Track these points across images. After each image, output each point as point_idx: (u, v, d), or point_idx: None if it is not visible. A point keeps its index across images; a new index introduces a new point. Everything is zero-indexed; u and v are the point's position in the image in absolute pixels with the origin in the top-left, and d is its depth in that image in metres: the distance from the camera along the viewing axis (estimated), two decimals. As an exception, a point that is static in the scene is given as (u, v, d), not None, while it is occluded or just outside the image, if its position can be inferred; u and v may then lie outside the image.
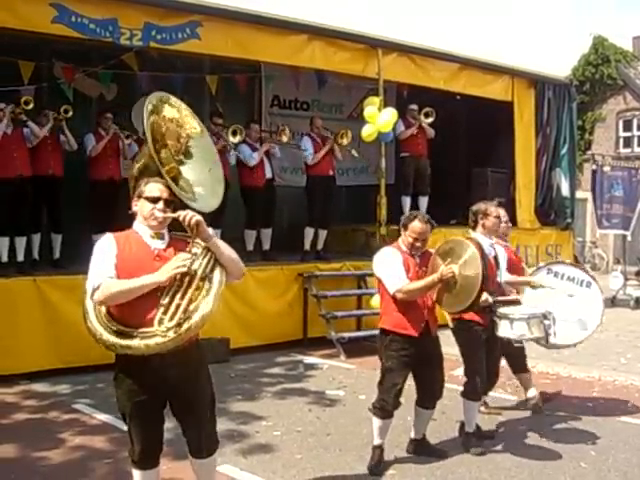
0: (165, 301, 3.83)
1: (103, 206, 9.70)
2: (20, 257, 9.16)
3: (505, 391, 8.03)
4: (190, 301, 3.84)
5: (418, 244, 5.46)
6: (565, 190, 14.23)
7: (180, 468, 5.19)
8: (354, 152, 11.47)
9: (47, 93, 10.29)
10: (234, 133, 10.37)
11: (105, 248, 3.95)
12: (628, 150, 25.08)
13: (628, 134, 25.37)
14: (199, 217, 3.94)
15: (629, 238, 16.56)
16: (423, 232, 5.43)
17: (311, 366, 9.25)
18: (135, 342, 3.79)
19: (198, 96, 10.95)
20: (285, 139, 11.01)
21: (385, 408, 5.46)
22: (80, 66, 10.30)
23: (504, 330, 5.77)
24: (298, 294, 10.38)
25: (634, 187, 15.65)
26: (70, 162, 9.91)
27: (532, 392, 7.17)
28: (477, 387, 6.05)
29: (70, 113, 9.57)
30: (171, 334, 3.77)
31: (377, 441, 5.56)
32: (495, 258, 6.21)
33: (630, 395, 7.81)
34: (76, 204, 9.95)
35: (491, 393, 7.78)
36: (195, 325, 3.81)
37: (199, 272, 3.88)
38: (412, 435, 5.91)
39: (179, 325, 3.78)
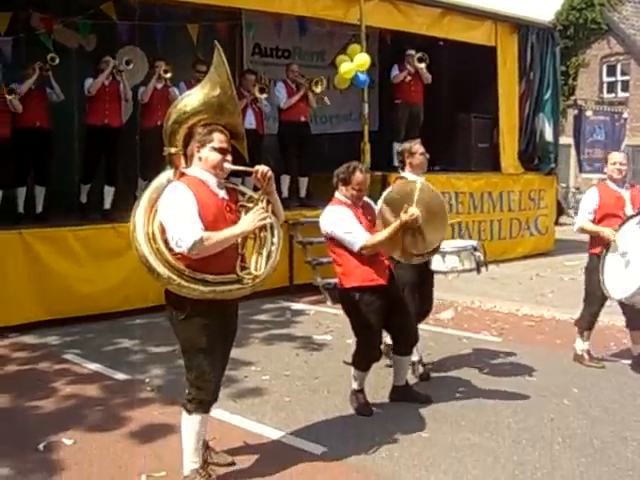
0: (243, 250, 4.14)
1: (96, 154, 9.68)
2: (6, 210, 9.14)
3: (490, 333, 8.18)
4: (266, 250, 4.16)
5: (362, 194, 5.43)
6: (549, 135, 14.21)
7: (171, 413, 5.27)
8: (326, 99, 11.41)
9: (25, 44, 10.14)
10: (262, 90, 10.46)
11: (185, 197, 3.97)
12: (612, 95, 25.10)
13: (612, 79, 25.37)
14: (271, 171, 4.18)
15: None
16: (365, 181, 5.39)
17: (298, 312, 9.35)
18: (218, 288, 4.02)
19: (179, 45, 10.86)
20: (265, 96, 10.87)
21: (370, 362, 5.54)
22: (58, 16, 10.17)
23: (437, 264, 5.84)
24: (283, 241, 10.32)
25: (617, 131, 15.75)
26: (57, 113, 9.82)
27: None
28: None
29: (57, 61, 9.40)
30: (252, 282, 4.09)
31: (358, 386, 5.64)
32: None
33: (612, 336, 7.96)
34: (62, 156, 9.91)
35: (476, 335, 7.99)
36: (268, 274, 4.14)
37: (268, 224, 4.16)
38: (394, 382, 5.94)
39: (262, 274, 4.11)
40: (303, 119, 11.26)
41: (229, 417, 5.45)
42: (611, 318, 8.45)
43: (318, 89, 11.05)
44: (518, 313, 9.28)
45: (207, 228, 3.94)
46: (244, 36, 12.44)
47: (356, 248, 5.30)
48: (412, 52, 12.27)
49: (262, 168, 4.17)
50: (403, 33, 12.18)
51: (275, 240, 4.23)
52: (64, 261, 8.67)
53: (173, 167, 4.39)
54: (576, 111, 15.67)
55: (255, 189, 4.41)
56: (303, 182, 11.39)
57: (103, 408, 5.73)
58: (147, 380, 6.42)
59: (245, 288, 4.12)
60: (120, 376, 6.59)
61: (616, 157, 6.87)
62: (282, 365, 6.92)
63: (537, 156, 14.26)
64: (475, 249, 5.83)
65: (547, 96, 14.07)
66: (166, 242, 4.02)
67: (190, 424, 4.20)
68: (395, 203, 5.28)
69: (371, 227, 5.41)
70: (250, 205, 4.21)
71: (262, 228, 4.12)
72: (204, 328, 4.09)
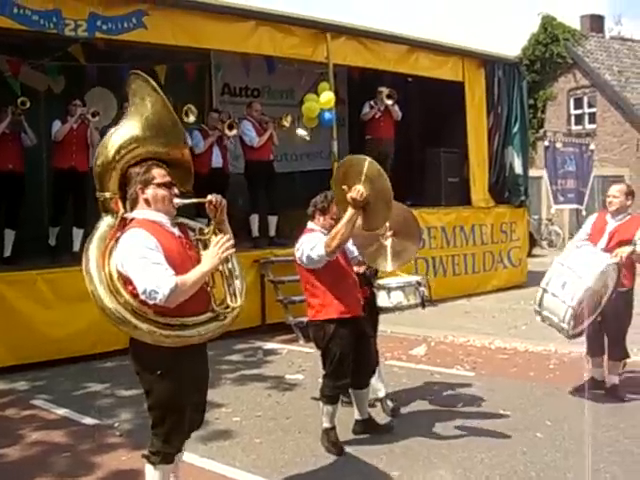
0: (213, 286, 3.99)
1: (63, 197, 9.67)
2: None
3: (463, 367, 8.16)
4: (234, 280, 4.05)
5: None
6: (518, 168, 14.34)
7: (138, 458, 5.13)
8: (300, 131, 11.46)
9: (-8, 87, 10.13)
10: (186, 114, 10.34)
11: (149, 244, 3.77)
12: (579, 127, 25.45)
13: (579, 111, 25.74)
14: (224, 199, 4.08)
15: (583, 212, 16.83)
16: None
17: (270, 351, 9.28)
18: (201, 329, 3.91)
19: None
20: (234, 133, 10.91)
21: (339, 395, 5.52)
22: (26, 59, 10.18)
23: (383, 300, 5.80)
24: (255, 280, 10.35)
25: (585, 162, 15.90)
26: (26, 156, 9.78)
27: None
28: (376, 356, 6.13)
29: (27, 105, 9.38)
30: (231, 314, 4.02)
31: (329, 424, 5.58)
32: None
33: (585, 366, 7.94)
34: (32, 199, 9.84)
35: (449, 370, 7.96)
36: (242, 304, 4.04)
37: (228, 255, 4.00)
38: (356, 416, 5.91)
39: (235, 307, 4.01)
40: (271, 157, 11.33)
41: (198, 460, 5.35)
42: (583, 348, 8.47)
43: (286, 123, 11.09)
44: (491, 346, 9.28)
45: (176, 272, 3.74)
46: (213, 76, 12.54)
47: (322, 252, 5.19)
48: (383, 89, 12.37)
49: (216, 197, 4.03)
50: (372, 70, 12.27)
51: (237, 268, 4.12)
52: (33, 305, 8.57)
53: (110, 213, 4.16)
54: (546, 143, 15.81)
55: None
56: (272, 221, 11.39)
57: (70, 454, 5.62)
58: (116, 424, 6.32)
59: (225, 323, 4.02)
60: (89, 421, 6.47)
61: (610, 190, 6.98)
62: (253, 406, 6.84)
63: (507, 189, 14.35)
64: (419, 284, 5.81)
65: (515, 129, 14.24)
66: (132, 294, 3.82)
67: (154, 476, 4.05)
68: (341, 185, 5.16)
69: (342, 250, 5.40)
70: (205, 238, 4.05)
71: (225, 260, 3.97)
72: (180, 385, 3.94)
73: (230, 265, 4.06)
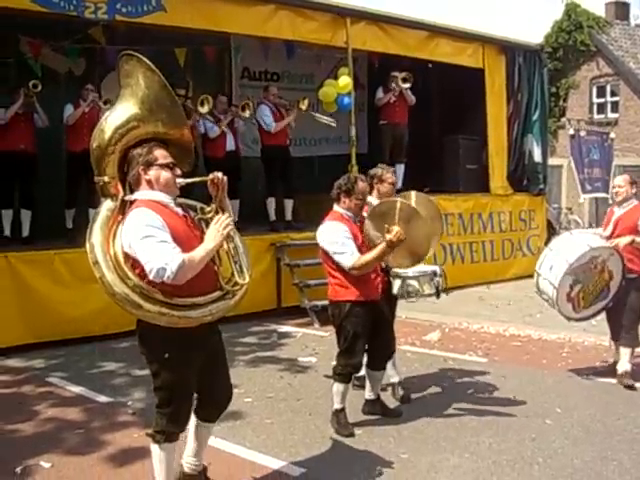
0: (220, 264, 4.03)
1: (77, 178, 9.70)
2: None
3: (475, 354, 8.17)
4: (240, 257, 4.08)
5: (364, 204, 5.53)
6: (537, 156, 14.27)
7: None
8: (325, 118, 11.42)
9: (15, 69, 10.20)
10: (202, 103, 10.36)
11: (154, 222, 3.75)
12: (602, 116, 25.22)
13: (601, 100, 25.50)
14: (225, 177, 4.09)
15: (610, 201, 16.73)
16: (367, 190, 5.55)
17: (285, 334, 9.34)
18: (212, 308, 3.92)
19: (168, 69, 10.76)
20: (247, 114, 10.92)
21: (352, 373, 5.57)
22: (47, 41, 10.25)
23: (397, 288, 5.84)
24: (271, 264, 10.41)
25: (606, 151, 15.78)
26: (43, 138, 9.87)
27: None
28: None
29: (39, 87, 9.44)
30: (240, 291, 4.03)
31: (339, 405, 5.64)
32: None
33: (598, 355, 7.95)
34: (47, 181, 9.93)
35: (461, 356, 7.98)
36: (249, 280, 4.04)
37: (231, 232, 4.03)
38: (366, 396, 6.03)
39: (244, 284, 4.01)
40: (286, 142, 11.32)
41: (210, 440, 5.41)
42: (598, 338, 8.50)
43: (303, 107, 11.08)
44: (505, 333, 9.28)
45: (182, 250, 3.74)
46: (232, 60, 12.55)
47: (347, 268, 5.39)
48: (396, 74, 12.31)
49: (218, 175, 4.05)
50: (391, 56, 12.23)
51: (240, 245, 4.16)
52: (50, 284, 8.67)
53: (109, 196, 4.09)
54: (572, 131, 15.71)
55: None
56: (288, 204, 11.40)
57: (83, 431, 5.71)
58: (129, 403, 6.40)
59: (235, 300, 4.04)
60: (102, 399, 6.57)
61: (615, 181, 7.31)
62: (265, 387, 6.90)
63: (526, 177, 14.30)
64: (435, 274, 5.84)
65: (535, 117, 14.16)
66: (140, 276, 3.81)
67: (160, 455, 4.10)
68: (377, 220, 5.37)
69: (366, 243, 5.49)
70: (206, 216, 4.09)
71: (228, 237, 3.98)
72: (188, 365, 3.99)
73: (234, 243, 4.08)
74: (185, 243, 3.82)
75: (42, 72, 10.38)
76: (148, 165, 3.92)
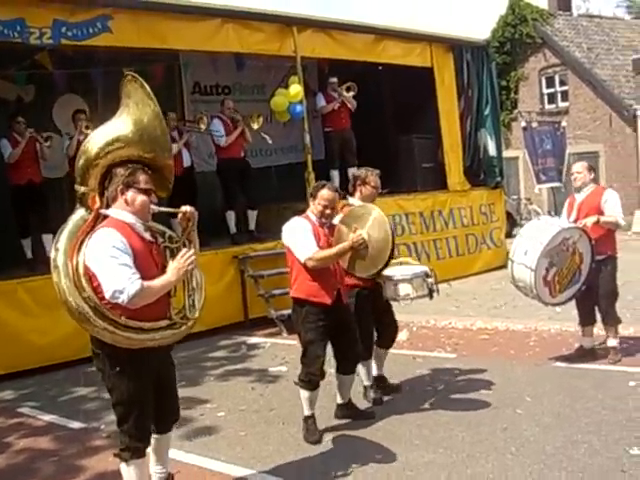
0: (175, 295, 4.16)
1: (25, 210, 9.71)
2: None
3: (444, 350, 8.25)
4: (195, 294, 4.22)
5: (328, 211, 5.57)
6: (492, 150, 14.45)
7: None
8: (264, 135, 11.42)
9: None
10: None
11: (119, 245, 3.88)
12: (552, 106, 25.54)
13: (551, 90, 25.81)
14: (196, 211, 4.22)
15: (563, 190, 16.99)
16: (332, 199, 5.56)
17: (254, 346, 9.34)
18: (156, 335, 4.04)
19: (118, 90, 10.83)
20: (203, 127, 10.97)
21: (312, 380, 5.59)
22: (-8, 68, 10.17)
23: (390, 292, 5.89)
24: (235, 277, 10.42)
25: (559, 140, 16.02)
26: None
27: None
28: (369, 348, 6.30)
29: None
30: (187, 325, 4.17)
31: (307, 412, 5.68)
32: None
33: (565, 341, 8.06)
34: (2, 210, 9.84)
35: (430, 353, 8.04)
36: (200, 313, 4.21)
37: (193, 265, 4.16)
38: (338, 400, 6.09)
39: (192, 318, 4.19)
40: (241, 154, 11.29)
41: (184, 456, 5.43)
42: (563, 324, 8.63)
43: (255, 125, 11.10)
44: (473, 327, 9.38)
45: (141, 275, 3.87)
46: (182, 76, 12.56)
47: (302, 259, 5.46)
48: (334, 80, 12.41)
49: (188, 209, 4.21)
50: (340, 61, 12.29)
51: (199, 280, 4.31)
52: (16, 314, 8.62)
53: (84, 207, 4.24)
54: (523, 123, 15.93)
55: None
56: (252, 215, 11.43)
57: (57, 459, 5.68)
58: (102, 427, 6.37)
59: (181, 332, 4.17)
60: (75, 425, 6.54)
61: (573, 168, 7.48)
62: (238, 400, 6.91)
63: (482, 171, 14.48)
64: (427, 275, 5.89)
65: (487, 112, 14.34)
66: (95, 291, 3.91)
67: (129, 472, 4.16)
68: (349, 223, 5.53)
69: (331, 247, 5.54)
70: (173, 246, 4.21)
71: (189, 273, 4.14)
72: (139, 380, 4.06)
73: (194, 277, 4.22)
74: (145, 269, 3.95)
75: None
76: (127, 186, 4.04)
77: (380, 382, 6.60)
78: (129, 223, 4.03)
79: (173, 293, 4.15)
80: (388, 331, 6.47)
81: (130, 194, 4.04)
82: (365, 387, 6.48)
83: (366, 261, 5.54)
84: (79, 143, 9.61)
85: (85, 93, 11.27)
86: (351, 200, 6.32)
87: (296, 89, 11.15)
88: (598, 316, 7.26)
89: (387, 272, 5.86)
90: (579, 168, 7.27)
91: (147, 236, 4.13)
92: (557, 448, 5.10)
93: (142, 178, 4.07)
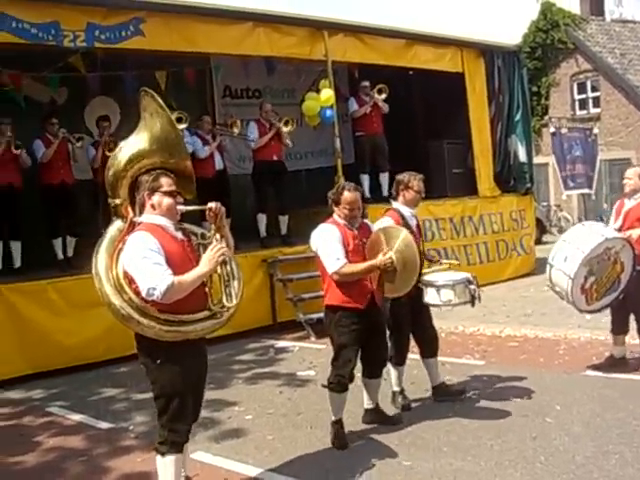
0: (211, 286, 4.29)
1: (57, 210, 9.82)
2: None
3: (473, 357, 8.20)
4: (232, 282, 4.31)
5: (355, 213, 5.53)
6: (522, 156, 14.36)
7: (152, 460, 5.20)
8: (288, 141, 11.41)
9: (-4, 101, 10.23)
10: (179, 120, 10.38)
11: (151, 245, 4.08)
12: (584, 112, 25.35)
13: (583, 96, 25.63)
14: (223, 207, 4.36)
15: (593, 197, 16.85)
16: (355, 200, 5.51)
17: (282, 349, 9.36)
18: (197, 326, 4.21)
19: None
20: (237, 131, 11.02)
21: (342, 382, 5.56)
22: (27, 71, 10.28)
23: (431, 297, 5.89)
24: (264, 280, 10.45)
25: (590, 147, 15.87)
26: (27, 170, 9.86)
27: None
28: (403, 354, 6.36)
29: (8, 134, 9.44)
30: (227, 314, 4.31)
31: (336, 416, 5.66)
32: (418, 227, 6.41)
33: (595, 350, 7.98)
34: (34, 211, 9.93)
35: (458, 360, 7.99)
36: (238, 304, 4.30)
37: (227, 258, 4.30)
38: (366, 405, 6.08)
39: (230, 307, 4.29)
40: (275, 158, 11.24)
41: (211, 459, 5.47)
42: (593, 333, 8.55)
43: (287, 128, 11.10)
44: (501, 335, 9.32)
45: (175, 272, 4.04)
46: (213, 79, 12.62)
47: (329, 272, 5.45)
48: (366, 84, 12.38)
49: (214, 205, 4.32)
50: (371, 65, 12.29)
51: (235, 270, 4.40)
52: (46, 314, 8.70)
53: (120, 217, 4.52)
54: (552, 129, 15.81)
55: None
56: (283, 220, 11.44)
57: (86, 459, 5.72)
58: (131, 427, 6.41)
59: (221, 321, 4.31)
60: (104, 425, 6.58)
61: (626, 173, 7.28)
62: (265, 403, 6.91)
63: (513, 177, 14.38)
64: (469, 282, 5.86)
65: (518, 117, 14.26)
66: (136, 291, 4.11)
67: (165, 466, 4.27)
68: (383, 237, 5.48)
69: (361, 249, 5.52)
70: (205, 242, 4.36)
71: (223, 263, 4.24)
72: (179, 372, 4.20)
73: (228, 267, 4.31)
74: (180, 266, 4.12)
75: (25, 102, 10.41)
76: (153, 191, 4.26)
77: (442, 390, 6.57)
78: (161, 225, 4.24)
79: (210, 284, 4.28)
80: (428, 339, 6.48)
81: (156, 198, 4.25)
82: (394, 393, 6.46)
83: (393, 284, 5.50)
84: (103, 154, 9.77)
85: (117, 96, 11.36)
86: (394, 204, 6.34)
87: (328, 93, 11.15)
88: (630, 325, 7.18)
89: (429, 277, 5.89)
90: (630, 174, 7.13)
91: (179, 235, 4.33)
92: (587, 458, 5.04)
93: (165, 181, 4.28)
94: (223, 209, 4.36)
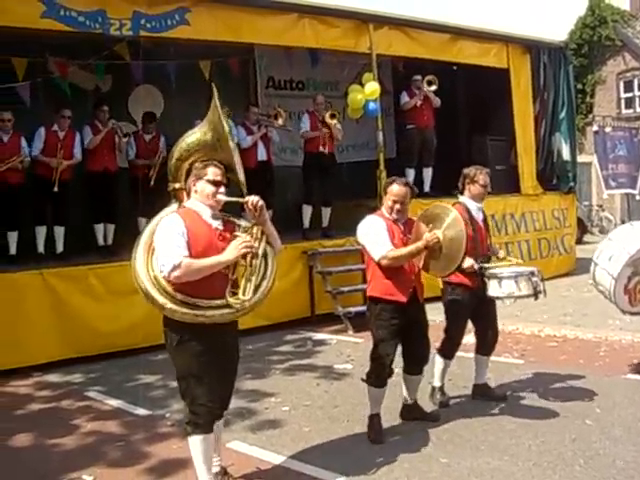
0: (234, 277, 4.32)
1: (100, 196, 9.90)
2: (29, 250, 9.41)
3: (511, 355, 8.12)
4: (257, 277, 4.31)
5: (397, 206, 5.51)
6: (566, 154, 14.19)
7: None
8: (339, 135, 11.39)
9: (43, 88, 10.32)
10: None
11: (176, 227, 4.23)
12: (630, 111, 24.97)
13: (629, 95, 25.25)
14: (262, 201, 4.38)
15: (637, 197, 16.58)
16: (401, 195, 5.50)
17: (320, 342, 9.35)
18: (208, 312, 4.22)
19: (193, 82, 10.95)
20: (280, 122, 11.04)
21: (380, 377, 5.56)
22: (73, 59, 10.36)
23: (493, 290, 5.84)
24: (303, 272, 10.46)
25: (636, 146, 15.64)
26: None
27: None
28: (454, 347, 6.29)
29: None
30: (242, 306, 4.26)
31: (373, 410, 5.66)
32: (484, 221, 6.31)
33: (636, 352, 7.88)
34: (77, 197, 10.03)
35: (497, 358, 7.90)
36: (260, 299, 4.32)
37: (260, 251, 4.37)
38: (404, 401, 6.04)
39: (249, 299, 4.26)
40: (322, 149, 11.18)
41: (247, 448, 5.48)
42: (634, 335, 8.42)
43: (333, 121, 11.05)
44: (541, 334, 9.22)
45: (197, 255, 4.18)
46: (257, 70, 12.63)
47: (376, 258, 5.45)
48: (418, 77, 12.34)
49: (253, 198, 4.36)
50: (415, 59, 12.23)
51: (269, 269, 4.42)
52: (85, 300, 8.80)
53: (178, 201, 4.71)
54: (595, 127, 15.60)
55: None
56: (325, 212, 11.44)
57: (123, 444, 5.76)
58: (167, 415, 6.45)
59: (233, 313, 4.29)
60: (141, 412, 6.62)
61: None
62: (302, 395, 6.91)
63: (555, 175, 14.23)
64: (532, 274, 5.80)
65: (562, 115, 14.08)
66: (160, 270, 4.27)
67: (193, 445, 4.41)
68: (426, 222, 5.48)
69: (406, 244, 5.50)
70: (240, 234, 4.38)
71: (254, 256, 4.29)
72: (197, 354, 4.29)
73: (257, 262, 4.33)
74: (203, 251, 4.24)
75: (70, 90, 10.50)
76: (199, 178, 4.42)
77: (483, 390, 6.50)
78: (196, 211, 4.38)
79: (232, 274, 4.30)
80: (486, 337, 6.36)
81: (199, 185, 4.41)
82: (433, 388, 6.41)
83: (440, 262, 5.46)
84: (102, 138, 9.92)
85: (160, 84, 11.41)
86: (461, 198, 6.32)
87: (373, 86, 11.07)
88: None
89: (493, 270, 5.86)
90: None
91: (215, 223, 4.41)
92: (628, 462, 4.95)
93: (211, 171, 4.41)
94: (261, 203, 4.37)
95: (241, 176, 4.70)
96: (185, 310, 4.19)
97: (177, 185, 4.72)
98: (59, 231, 9.68)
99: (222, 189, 4.40)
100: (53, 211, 9.71)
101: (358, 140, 13.80)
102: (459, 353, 6.50)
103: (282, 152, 12.73)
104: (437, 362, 6.33)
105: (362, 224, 5.64)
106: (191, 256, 4.17)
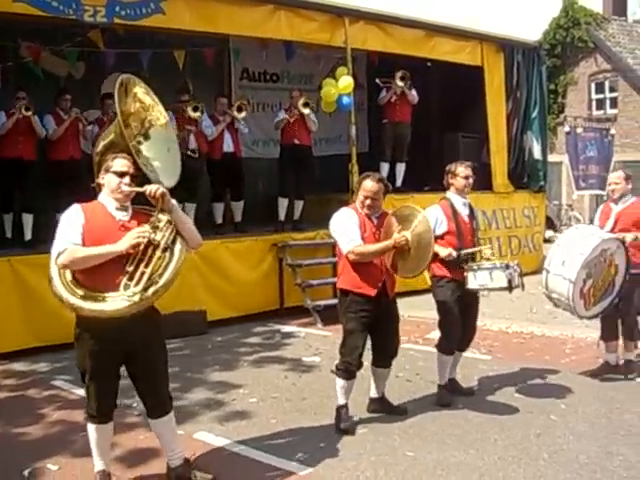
0: (130, 268, 4.17)
1: (65, 185, 9.72)
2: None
3: (479, 351, 8.17)
4: (154, 269, 4.17)
5: (368, 202, 5.52)
6: (537, 153, 14.31)
7: (155, 437, 5.25)
8: (241, 126, 11.22)
9: (15, 73, 10.20)
10: (195, 109, 10.35)
11: (72, 217, 4.24)
12: (601, 112, 25.21)
13: (600, 96, 25.49)
14: (163, 189, 4.29)
15: (605, 198, 16.72)
16: (373, 191, 5.51)
17: (288, 334, 9.35)
18: (100, 305, 4.10)
19: (167, 72, 10.87)
20: (243, 114, 10.94)
21: (349, 369, 5.58)
22: (46, 45, 10.24)
23: (470, 282, 5.89)
24: (273, 264, 10.44)
25: (606, 147, 15.78)
26: (40, 144, 9.89)
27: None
28: (451, 342, 6.25)
29: (29, 112, 9.38)
30: (136, 299, 4.10)
31: (341, 401, 5.68)
32: (470, 216, 6.34)
33: (601, 351, 7.93)
34: (46, 185, 9.93)
35: (465, 353, 7.94)
36: (157, 291, 4.16)
37: (162, 242, 4.24)
38: (372, 394, 6.07)
39: (144, 290, 4.14)
40: (297, 142, 11.20)
41: (213, 439, 5.48)
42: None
43: (306, 111, 11.04)
44: (508, 331, 9.31)
45: (92, 245, 4.13)
46: (232, 61, 12.57)
47: (344, 251, 5.49)
48: (398, 74, 12.33)
49: (151, 187, 4.30)
50: (390, 55, 12.23)
51: (173, 260, 4.26)
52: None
53: None
54: (567, 128, 15.72)
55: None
56: (298, 205, 11.44)
57: (89, 434, 5.71)
58: (134, 405, 6.38)
59: (130, 305, 4.10)
60: (108, 401, 6.56)
61: (609, 177, 7.43)
62: (270, 387, 6.91)
63: (526, 174, 14.34)
64: (507, 267, 5.82)
65: (534, 114, 14.20)
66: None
67: (89, 431, 4.59)
68: (401, 221, 5.48)
69: (377, 239, 5.53)
70: (155, 225, 4.30)
71: (155, 247, 4.19)
72: (88, 348, 4.32)
73: (158, 253, 4.21)
74: (97, 241, 4.17)
75: (43, 75, 10.37)
76: (106, 170, 4.41)
77: (451, 385, 6.50)
78: (101, 202, 4.39)
79: (128, 266, 4.16)
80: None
81: (107, 177, 4.38)
82: (439, 386, 6.39)
83: (409, 262, 5.46)
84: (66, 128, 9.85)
85: (133, 73, 11.24)
86: (448, 194, 6.34)
87: (347, 80, 11.07)
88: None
89: (472, 263, 5.92)
90: (616, 179, 7.12)
91: (119, 215, 4.35)
92: (591, 458, 5.02)
93: (118, 162, 4.38)
94: (161, 191, 4.28)
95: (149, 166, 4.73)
96: (80, 304, 4.10)
97: (97, 181, 4.60)
98: (27, 218, 9.57)
99: (126, 179, 4.31)
100: (21, 198, 9.59)
101: (331, 134, 13.82)
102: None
103: (254, 144, 12.71)
104: (437, 360, 6.34)
105: (335, 216, 5.65)
106: (84, 246, 4.12)
